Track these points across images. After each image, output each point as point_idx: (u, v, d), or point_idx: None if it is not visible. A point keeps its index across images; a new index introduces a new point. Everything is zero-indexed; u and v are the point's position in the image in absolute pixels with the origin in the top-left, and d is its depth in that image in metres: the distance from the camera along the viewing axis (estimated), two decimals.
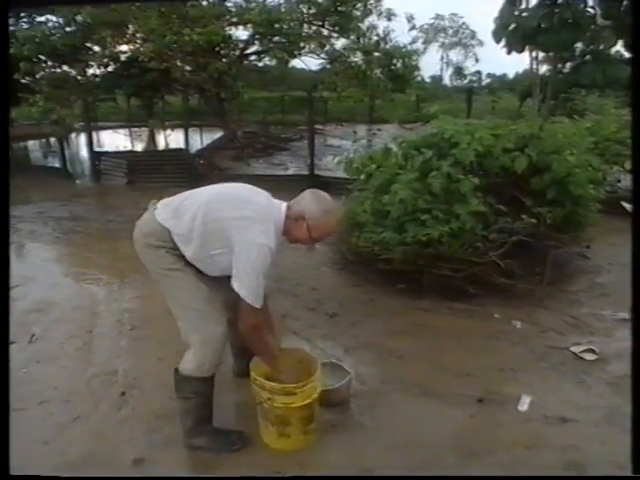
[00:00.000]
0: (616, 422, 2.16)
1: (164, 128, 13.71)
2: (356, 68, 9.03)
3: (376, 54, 9.18)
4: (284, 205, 1.95)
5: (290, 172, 9.43)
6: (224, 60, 9.75)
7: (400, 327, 3.10)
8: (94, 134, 15.53)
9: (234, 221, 1.82)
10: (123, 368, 2.66)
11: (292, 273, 4.03)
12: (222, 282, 1.93)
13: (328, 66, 10.81)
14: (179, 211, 1.90)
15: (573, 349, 2.74)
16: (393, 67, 9.17)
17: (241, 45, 10.87)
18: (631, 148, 1.06)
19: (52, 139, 13.24)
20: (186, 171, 8.05)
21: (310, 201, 1.90)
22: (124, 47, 10.52)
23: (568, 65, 14.47)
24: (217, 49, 9.76)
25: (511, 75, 38.46)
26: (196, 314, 1.93)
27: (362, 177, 4.16)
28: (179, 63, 9.29)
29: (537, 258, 3.79)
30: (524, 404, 2.28)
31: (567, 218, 3.80)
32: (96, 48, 10.32)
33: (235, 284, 1.80)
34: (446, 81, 43.19)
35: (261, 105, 18.57)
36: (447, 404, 2.32)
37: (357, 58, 9.46)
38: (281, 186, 7.43)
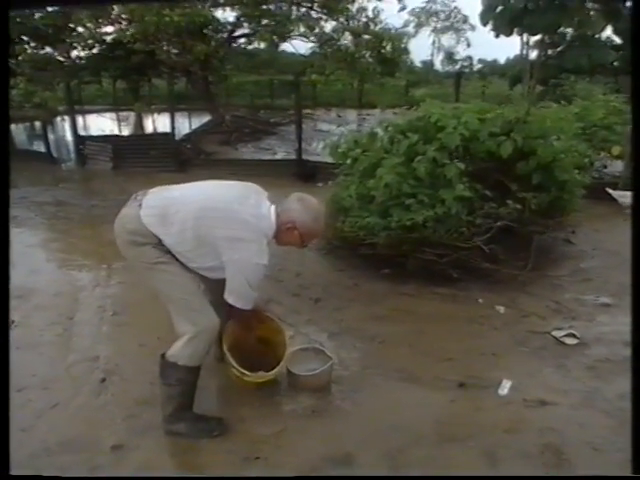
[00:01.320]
0: (594, 405, 2.18)
1: (150, 112, 13.45)
2: (345, 51, 8.92)
3: (365, 36, 9.06)
4: (273, 213, 1.94)
5: (278, 157, 9.35)
6: (212, 43, 9.58)
7: (383, 312, 3.10)
8: (80, 118, 15.34)
9: (227, 242, 1.84)
10: (104, 354, 2.63)
11: (276, 258, 3.99)
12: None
13: (317, 50, 10.67)
14: (167, 219, 1.86)
15: (554, 333, 2.76)
16: (382, 50, 9.06)
17: (229, 27, 10.69)
18: (631, 147, 1.10)
19: (37, 123, 12.99)
20: (172, 156, 7.94)
21: (300, 210, 1.93)
22: (109, 28, 10.30)
23: (556, 50, 14.44)
24: (204, 31, 9.57)
25: (502, 61, 38.38)
26: (187, 305, 1.92)
27: (348, 162, 4.12)
28: (165, 45, 9.11)
29: (522, 243, 3.80)
30: (504, 388, 2.29)
31: (552, 203, 3.80)
32: (80, 29, 10.09)
33: (230, 298, 1.91)
34: (437, 66, 42.88)
35: (249, 89, 18.37)
36: (428, 388, 2.33)
37: (346, 41, 9.34)
38: (269, 171, 7.44)
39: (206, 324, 1.92)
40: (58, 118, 13.89)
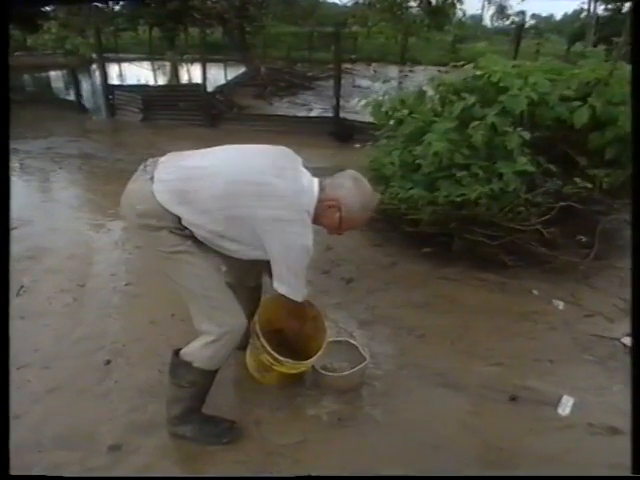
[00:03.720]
0: None
1: (184, 62, 13.01)
2: (391, 0, 8.16)
3: None
4: (316, 186, 1.62)
5: (314, 113, 8.86)
6: None
7: (423, 299, 2.75)
8: (116, 66, 15.05)
9: (266, 223, 1.52)
10: (112, 330, 2.40)
11: None
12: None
13: (361, 0, 9.89)
14: (186, 196, 1.50)
15: (625, 340, 2.35)
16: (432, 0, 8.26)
17: None
18: (631, 146, 1.04)
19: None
20: (203, 109, 7.58)
21: (351, 190, 1.62)
22: None
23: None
24: None
25: (558, 17, 35.49)
26: (210, 303, 1.61)
27: (391, 123, 3.67)
28: None
29: (584, 226, 3.32)
30: (565, 407, 1.94)
31: (625, 183, 3.28)
32: None
33: (281, 288, 1.62)
34: (486, 21, 40.13)
35: (287, 41, 17.54)
36: (473, 400, 2.00)
37: None
38: (303, 128, 7.00)
39: (233, 325, 1.62)
40: (94, 66, 13.64)
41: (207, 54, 8.51)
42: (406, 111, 3.34)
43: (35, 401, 1.94)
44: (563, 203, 3.00)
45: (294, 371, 1.89)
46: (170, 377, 1.70)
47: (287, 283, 1.60)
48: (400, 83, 13.38)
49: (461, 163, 2.90)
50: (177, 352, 1.69)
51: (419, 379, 2.11)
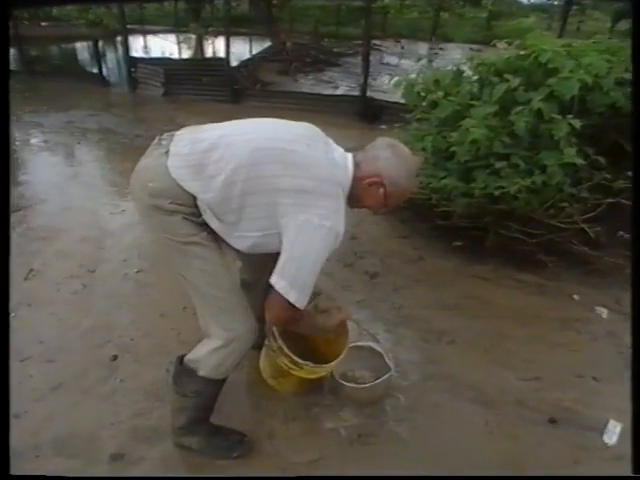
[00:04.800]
0: None
1: (207, 34, 12.71)
2: None
3: None
4: (350, 162, 1.40)
5: (340, 91, 8.53)
6: None
7: (453, 299, 2.54)
8: (141, 39, 14.84)
9: (289, 196, 1.28)
10: (121, 322, 2.28)
11: None
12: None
13: None
14: (205, 170, 1.31)
15: None
16: None
17: None
18: (631, 147, 1.01)
19: (101, 42, 12.62)
20: (226, 84, 7.35)
21: (391, 161, 1.39)
22: None
23: None
24: None
25: None
26: (218, 304, 1.44)
27: (424, 105, 3.40)
28: None
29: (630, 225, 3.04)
30: (612, 434, 1.74)
31: None
32: None
33: (275, 279, 1.30)
34: None
35: (315, 14, 16.98)
36: (507, 419, 1.81)
37: None
38: (328, 107, 6.72)
39: (241, 331, 1.45)
40: (119, 38, 13.48)
41: (232, 27, 8.24)
42: (441, 93, 3.08)
43: (37, 399, 1.83)
44: (611, 199, 2.73)
45: (313, 376, 1.73)
46: (174, 385, 1.56)
47: (297, 283, 1.29)
48: (430, 61, 12.87)
49: (500, 152, 2.64)
50: (181, 359, 1.54)
51: (448, 392, 1.93)
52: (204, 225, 1.38)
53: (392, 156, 1.39)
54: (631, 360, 0.89)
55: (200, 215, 1.36)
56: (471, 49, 13.76)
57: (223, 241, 1.44)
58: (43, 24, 14.57)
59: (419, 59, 6.10)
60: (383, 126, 5.81)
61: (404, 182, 1.41)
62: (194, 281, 1.44)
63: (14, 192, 3.71)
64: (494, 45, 3.53)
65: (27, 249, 2.90)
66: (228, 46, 7.20)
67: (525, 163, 2.62)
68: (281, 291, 1.29)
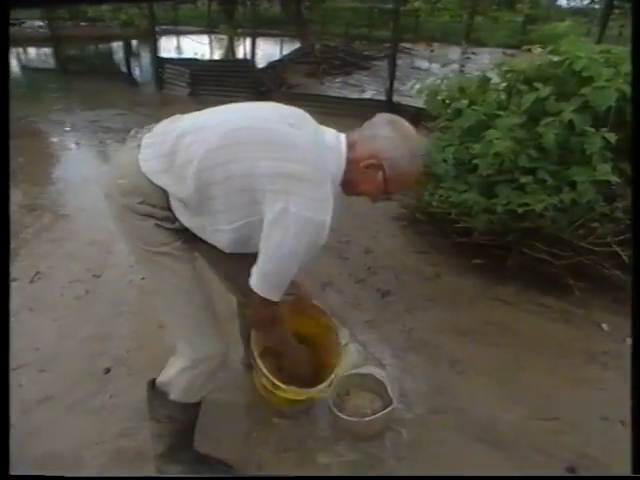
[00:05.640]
0: None
1: (237, 35, 12.75)
2: None
3: None
4: (343, 143, 1.23)
5: (367, 95, 8.38)
6: None
7: (469, 323, 2.38)
8: (174, 39, 15.04)
9: (268, 181, 1.11)
10: (119, 332, 2.21)
11: (343, 223, 3.35)
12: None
13: None
14: (176, 158, 1.18)
15: None
16: None
17: None
18: (631, 150, 0.98)
19: (134, 42, 12.82)
20: (251, 85, 7.31)
21: (391, 140, 1.19)
22: None
23: None
24: None
25: None
26: (187, 322, 1.34)
27: (448, 112, 3.23)
28: None
29: None
30: None
31: None
32: None
33: (257, 281, 1.18)
34: (561, 1, 37.26)
35: (346, 17, 16.86)
36: (520, 464, 1.65)
37: None
38: (353, 111, 6.58)
39: (210, 352, 1.34)
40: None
41: (263, 29, 8.23)
42: (465, 101, 2.91)
43: (23, 412, 1.77)
44: None
45: (301, 397, 1.58)
46: (149, 411, 1.46)
47: (270, 277, 1.17)
48: (462, 66, 12.57)
49: (527, 167, 2.47)
50: (153, 382, 1.45)
51: (455, 429, 1.77)
52: (179, 232, 1.27)
53: (392, 134, 1.20)
54: (631, 360, 0.86)
55: (175, 220, 1.25)
56: (504, 53, 13.42)
57: (203, 251, 1.36)
58: (83, 24, 14.94)
59: (444, 64, 5.85)
60: None
61: (406, 164, 1.21)
62: (163, 295, 1.34)
63: (32, 191, 3.73)
64: (528, 50, 3.34)
65: (37, 251, 2.88)
66: (254, 47, 7.17)
67: (553, 179, 2.43)
68: (254, 287, 1.18)
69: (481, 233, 2.69)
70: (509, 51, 13.21)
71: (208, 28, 17.03)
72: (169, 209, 1.24)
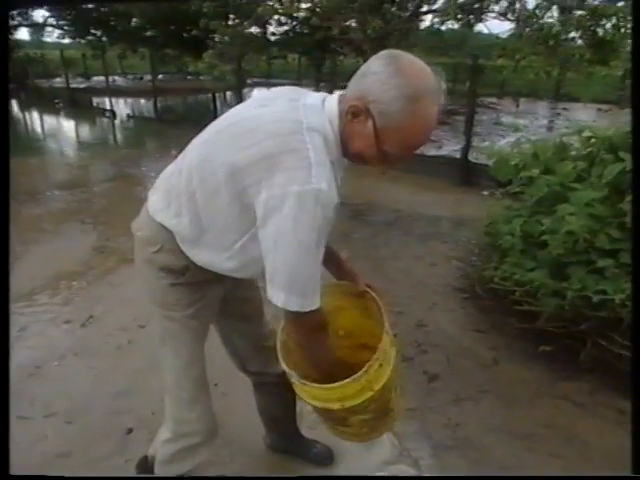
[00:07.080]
0: None
1: (320, 89, 13.29)
2: (547, 31, 7.22)
3: (578, 12, 7.21)
4: (332, 98, 1.06)
5: (444, 152, 8.22)
6: (390, 18, 8.76)
7: (527, 425, 2.05)
8: (265, 90, 16.13)
9: (246, 173, 0.97)
10: (148, 390, 2.17)
11: (397, 288, 3.17)
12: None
13: (515, 30, 9.04)
14: (171, 191, 1.14)
15: None
16: (599, 30, 7.12)
17: (415, 2, 9.69)
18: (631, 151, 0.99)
19: (228, 93, 13.88)
20: None
21: (381, 76, 0.93)
22: (302, 4, 10.17)
23: None
24: (384, 5, 8.79)
25: None
26: (180, 393, 1.30)
27: (520, 178, 2.99)
28: (342, 21, 8.60)
29: None
30: None
31: None
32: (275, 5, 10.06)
33: (270, 292, 0.99)
34: None
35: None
36: None
37: (551, 19, 7.60)
38: (425, 167, 6.42)
39: (196, 429, 1.30)
40: (245, 90, 14.72)
41: (345, 81, 8.48)
42: (536, 170, 2.68)
43: (41, 465, 1.76)
44: None
45: (319, 403, 1.12)
46: None
47: (289, 284, 0.96)
48: (550, 122, 12.04)
49: (605, 249, 2.17)
50: (145, 458, 1.42)
51: None
52: (195, 288, 1.20)
53: (384, 68, 0.93)
54: (631, 360, 0.87)
55: (188, 270, 1.17)
56: (600, 109, 12.67)
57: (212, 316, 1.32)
58: (189, 78, 16.54)
59: (515, 129, 5.56)
60: (485, 192, 5.37)
61: (400, 109, 0.92)
62: (165, 359, 1.30)
63: (106, 233, 3.97)
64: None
65: (95, 293, 3.00)
66: None
67: None
68: (280, 304, 0.98)
69: (547, 319, 2.39)
70: (605, 106, 12.48)
71: (296, 80, 18.05)
72: (181, 251, 1.16)
